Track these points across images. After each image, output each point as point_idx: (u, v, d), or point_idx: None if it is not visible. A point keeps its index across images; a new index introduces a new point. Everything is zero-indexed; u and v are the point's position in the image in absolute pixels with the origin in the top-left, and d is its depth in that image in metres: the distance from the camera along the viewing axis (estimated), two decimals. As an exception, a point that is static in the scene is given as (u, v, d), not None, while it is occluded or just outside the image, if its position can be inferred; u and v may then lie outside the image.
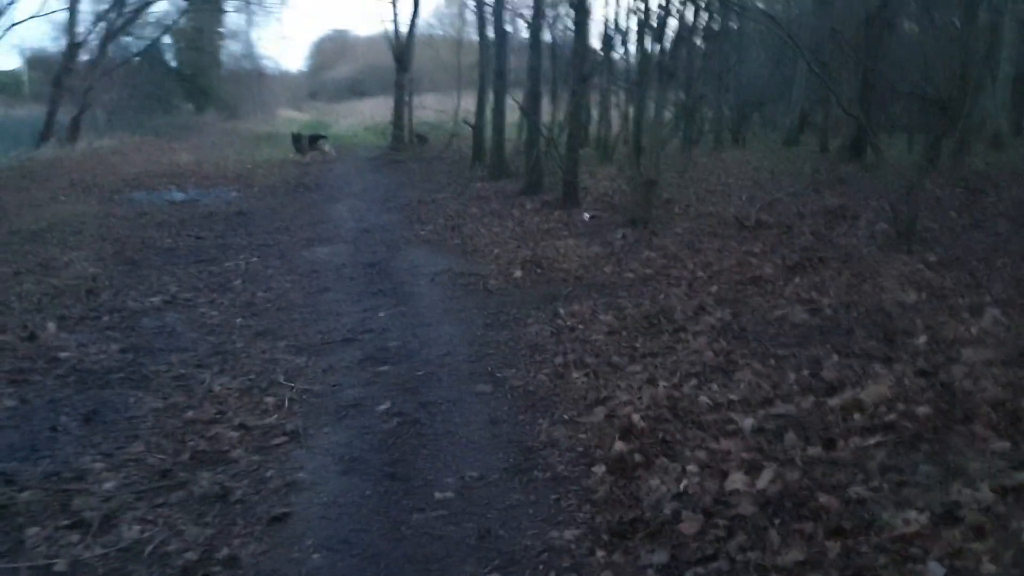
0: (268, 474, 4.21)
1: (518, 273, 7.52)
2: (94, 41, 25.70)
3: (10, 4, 18.39)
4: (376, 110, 35.52)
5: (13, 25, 21.94)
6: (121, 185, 17.85)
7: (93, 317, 7.70)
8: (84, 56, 28.10)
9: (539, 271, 7.53)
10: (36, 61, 35.73)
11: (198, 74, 35.65)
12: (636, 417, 4.19)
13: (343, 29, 66.74)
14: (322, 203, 14.67)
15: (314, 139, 22.16)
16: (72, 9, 22.68)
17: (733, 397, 4.36)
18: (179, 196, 16.48)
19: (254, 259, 9.91)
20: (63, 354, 6.49)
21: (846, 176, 11.84)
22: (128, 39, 30.81)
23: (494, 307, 6.74)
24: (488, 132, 16.48)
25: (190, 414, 5.12)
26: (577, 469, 3.89)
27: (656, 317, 5.86)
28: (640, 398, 4.47)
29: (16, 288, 8.50)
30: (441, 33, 32.91)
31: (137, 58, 32.74)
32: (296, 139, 21.80)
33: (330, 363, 5.89)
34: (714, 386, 4.58)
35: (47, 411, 5.35)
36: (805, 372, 4.62)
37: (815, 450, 3.70)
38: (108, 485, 4.23)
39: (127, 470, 4.41)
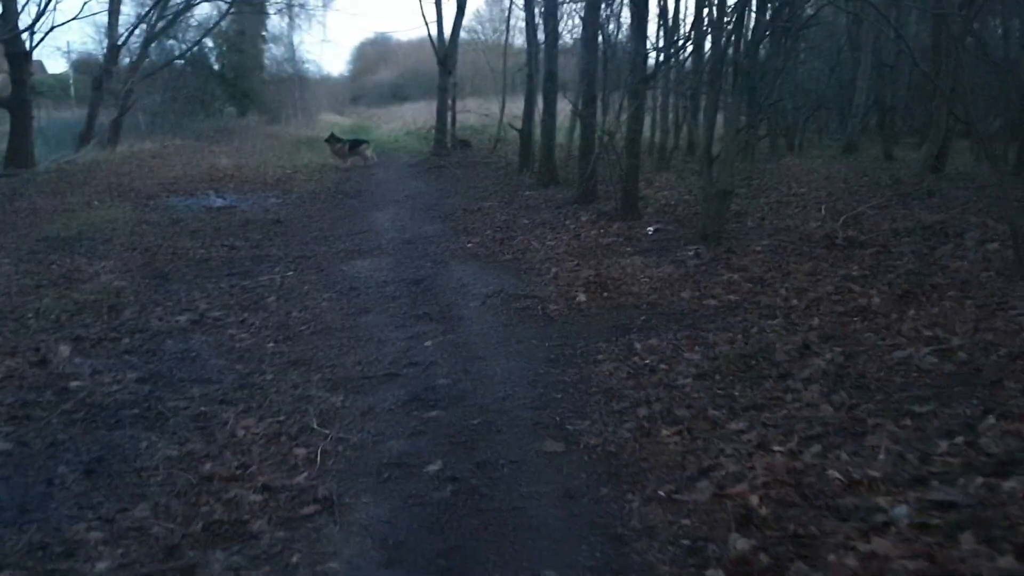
0: (294, 559, 3.38)
1: (581, 297, 6.61)
2: (135, 44, 25.31)
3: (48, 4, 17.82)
4: (418, 115, 34.85)
5: (53, 28, 21.53)
6: (158, 190, 17.29)
7: (113, 338, 6.99)
8: (127, 59, 27.95)
9: (605, 295, 6.62)
10: (82, 65, 35.61)
11: (240, 77, 35.22)
12: (754, 499, 3.29)
13: (385, 33, 66.42)
14: (362, 211, 13.91)
15: (355, 144, 21.46)
16: (112, 11, 22.22)
17: (872, 473, 3.43)
18: (216, 202, 15.85)
19: (290, 273, 9.16)
20: (74, 383, 5.78)
21: (933, 188, 10.75)
22: (171, 42, 30.52)
23: (556, 338, 5.85)
24: (537, 137, 15.62)
25: (208, 467, 4.32)
26: (686, 573, 3.00)
27: (753, 357, 4.93)
28: (753, 468, 3.56)
29: (35, 303, 7.83)
30: (483, 37, 32.13)
31: (179, 61, 32.43)
32: (331, 140, 21.06)
33: (370, 404, 5.05)
34: (843, 454, 3.65)
35: (46, 458, 4.60)
36: (958, 439, 3.67)
37: (1007, 561, 2.77)
38: (101, 566, 3.45)
39: (127, 543, 3.63)
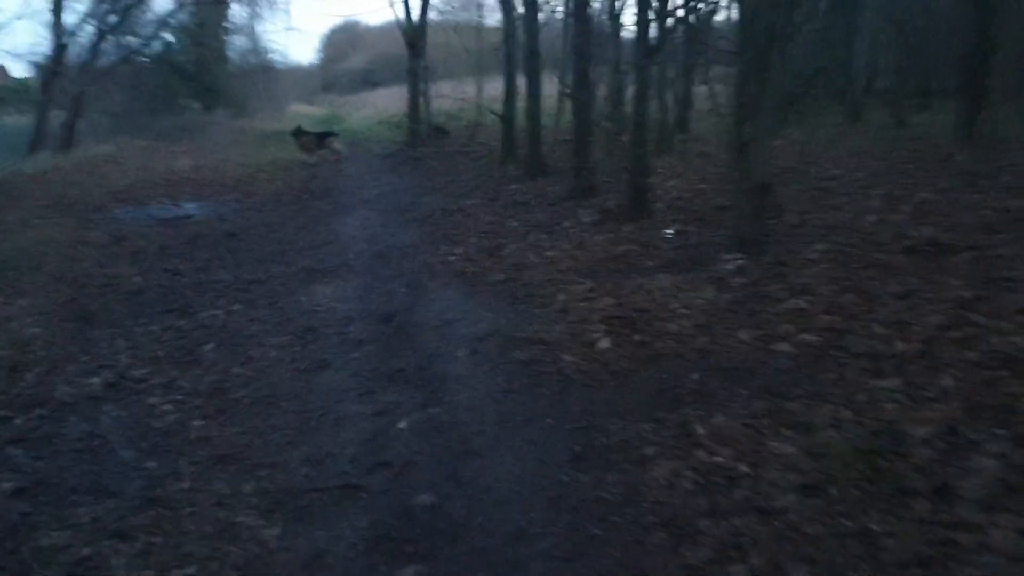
0: None
1: (604, 342, 4.88)
2: (88, 42, 23.26)
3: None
4: (390, 101, 32.81)
5: (-5, 28, 19.41)
6: (107, 200, 15.42)
7: (1, 418, 5.31)
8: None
9: (636, 338, 4.89)
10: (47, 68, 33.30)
11: (204, 72, 33.07)
12: None
13: (354, 19, 63.93)
14: (329, 215, 12.13)
15: (323, 136, 19.55)
16: (55, 9, 20.16)
17: None
18: (168, 212, 14.00)
19: (236, 307, 7.43)
20: (-86, 512, 4.10)
21: (999, 162, 8.95)
22: (129, 39, 28.40)
23: (578, 413, 4.14)
24: (520, 123, 13.82)
25: None
26: None
27: (879, 453, 3.25)
28: None
29: (-85, 368, 6.14)
30: (453, 18, 30.11)
31: (140, 58, 30.33)
32: (297, 134, 19.13)
33: (317, 547, 3.36)
34: None
35: None
36: None
37: None
38: None
39: None
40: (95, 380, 5.86)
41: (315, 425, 4.65)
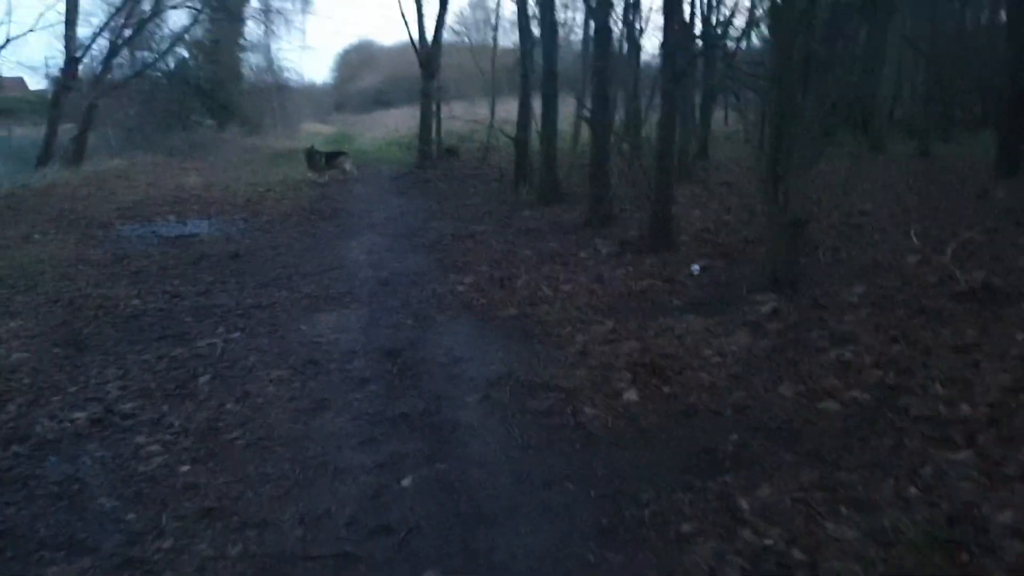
0: None
1: (630, 393, 4.42)
2: (101, 56, 23.07)
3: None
4: (402, 121, 32.60)
5: (8, 42, 19.21)
6: (113, 216, 15.07)
7: (-28, 458, 4.89)
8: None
9: (665, 389, 4.42)
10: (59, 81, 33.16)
11: (218, 88, 32.89)
12: None
13: (368, 39, 63.98)
14: (336, 238, 11.74)
15: (333, 156, 19.19)
16: (69, 21, 19.93)
17: None
18: (174, 230, 13.64)
19: (236, 334, 7.02)
20: None
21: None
22: (144, 54, 28.24)
23: (604, 476, 3.68)
24: (534, 146, 13.41)
25: None
26: None
27: (962, 543, 2.79)
28: None
29: None
30: (467, 40, 29.88)
31: (154, 73, 30.21)
32: (310, 155, 18.76)
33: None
34: None
35: None
36: None
37: None
38: None
39: None
40: (80, 415, 5.45)
41: (312, 477, 4.21)
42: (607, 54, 9.43)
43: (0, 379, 6.13)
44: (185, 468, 4.54)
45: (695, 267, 6.91)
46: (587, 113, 8.98)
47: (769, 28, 6.01)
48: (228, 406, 5.39)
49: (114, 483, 4.45)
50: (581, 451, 3.93)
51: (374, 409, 4.90)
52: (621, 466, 3.74)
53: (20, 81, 42.38)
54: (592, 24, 9.76)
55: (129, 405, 5.57)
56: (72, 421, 5.35)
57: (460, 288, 7.68)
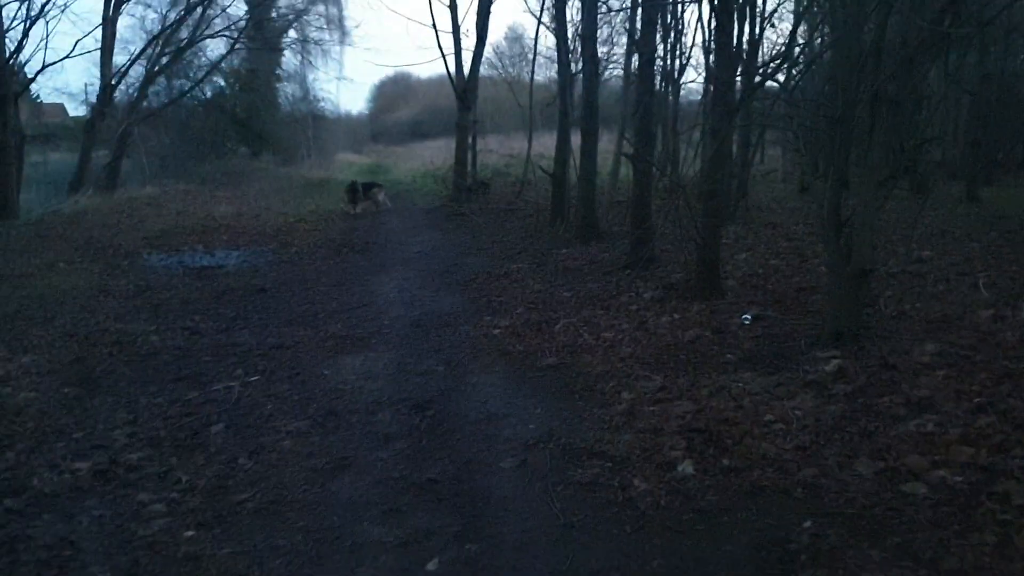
0: None
1: (684, 464, 3.87)
2: (137, 84, 23.18)
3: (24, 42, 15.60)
4: (437, 153, 32.49)
5: (45, 68, 19.29)
6: (141, 244, 14.88)
7: (-43, 516, 4.52)
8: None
9: (724, 460, 3.90)
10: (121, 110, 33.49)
11: (253, 117, 33.02)
12: None
13: (406, 71, 64.38)
14: (366, 273, 11.37)
15: (367, 187, 18.94)
16: (105, 48, 20.01)
17: None
18: (200, 260, 13.39)
19: (255, 378, 6.63)
20: None
21: None
22: (181, 82, 28.42)
23: (660, 569, 3.17)
24: (572, 181, 12.98)
25: None
26: None
27: None
28: None
29: None
30: (503, 73, 29.73)
31: (191, 101, 30.43)
32: (352, 190, 18.52)
33: None
34: None
35: None
36: None
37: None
38: None
39: None
40: (83, 465, 5.06)
41: (326, 552, 3.74)
42: (652, 88, 9.00)
43: (3, 422, 5.78)
44: (189, 534, 4.11)
45: (746, 316, 6.39)
46: (629, 149, 8.54)
47: (832, 62, 5.54)
48: (240, 460, 4.97)
49: (110, 549, 4.04)
50: (632, 535, 3.42)
51: (399, 472, 4.44)
52: (678, 557, 3.22)
53: (61, 107, 43.05)
54: (635, 58, 9.35)
55: (136, 455, 5.17)
56: (73, 472, 4.96)
57: (496, 332, 7.22)
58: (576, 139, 12.14)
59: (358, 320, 8.41)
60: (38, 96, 33.29)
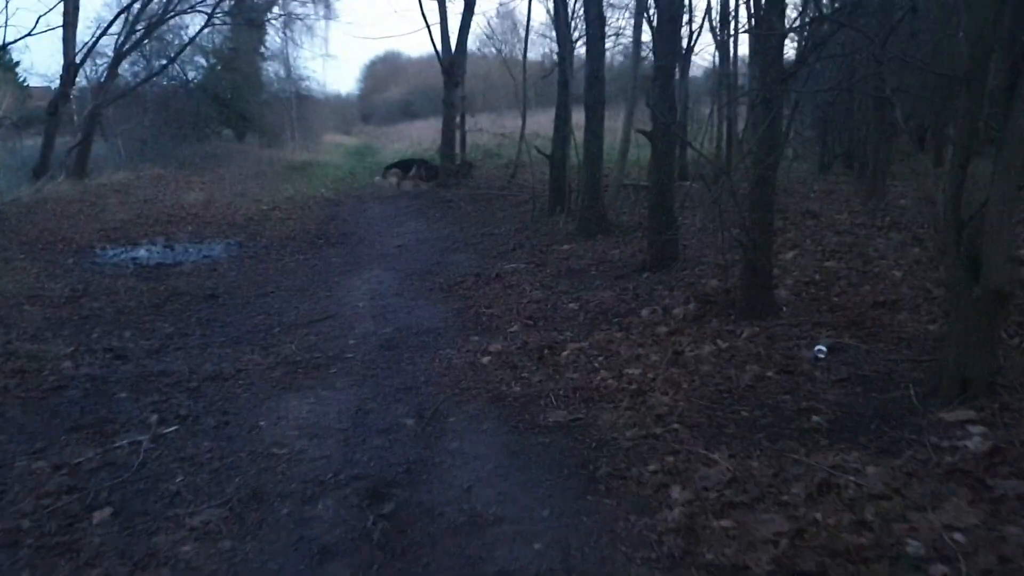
0: None
1: None
2: (104, 63, 21.29)
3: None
4: (426, 133, 30.53)
5: (5, 46, 17.41)
6: (96, 238, 13.17)
7: None
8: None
9: None
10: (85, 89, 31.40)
11: (236, 98, 31.01)
12: None
13: (395, 50, 62.07)
14: (337, 273, 9.67)
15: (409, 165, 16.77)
16: (67, 24, 18.10)
17: None
18: (156, 256, 11.67)
19: (172, 427, 4.97)
20: None
21: None
22: (157, 61, 26.44)
23: None
24: (573, 165, 11.19)
25: None
26: None
27: None
28: None
29: None
30: (494, 51, 27.75)
31: (169, 81, 28.50)
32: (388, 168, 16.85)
33: None
34: None
35: None
36: None
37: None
38: None
39: None
40: None
41: None
42: (674, 49, 7.21)
43: None
44: None
45: (820, 348, 4.70)
46: (655, 113, 6.77)
47: (967, 5, 3.83)
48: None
49: None
50: None
51: (332, 631, 2.77)
52: None
53: (49, 91, 40.95)
54: (656, 14, 7.58)
55: (-28, 569, 3.50)
56: None
57: (485, 360, 5.55)
58: (578, 117, 10.36)
59: (318, 338, 6.73)
60: (25, 79, 31.14)
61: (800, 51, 5.50)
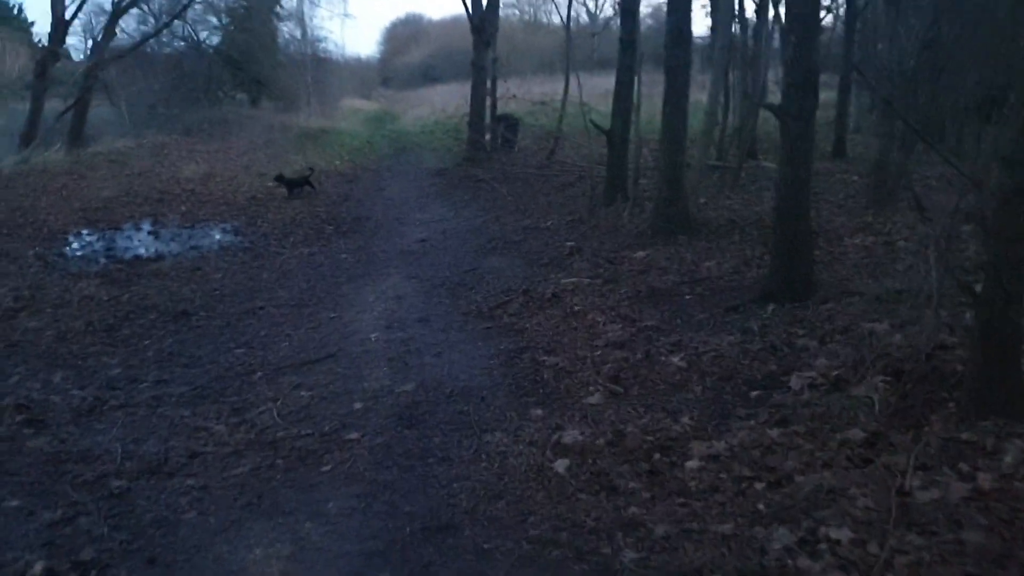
0: None
1: None
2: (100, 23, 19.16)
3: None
4: (449, 98, 28.07)
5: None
6: (73, 219, 11.17)
7: None
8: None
9: None
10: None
11: (250, 60, 28.70)
12: None
13: (418, 13, 59.20)
14: (347, 277, 7.61)
15: (293, 184, 12.76)
16: (54, -25, 15.93)
17: None
18: (132, 248, 9.63)
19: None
20: None
21: None
22: (176, 22, 24.24)
23: None
24: (635, 139, 8.85)
25: None
26: None
27: None
28: None
29: None
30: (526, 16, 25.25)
31: (181, 43, 26.42)
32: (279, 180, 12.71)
33: None
34: None
35: None
36: None
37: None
38: None
39: None
40: None
41: None
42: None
43: None
44: None
45: None
46: (786, 89, 4.59)
47: None
48: None
49: None
50: None
51: None
52: None
53: (65, 53, 38.76)
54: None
55: None
56: None
57: (559, 467, 3.48)
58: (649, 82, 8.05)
59: (312, 396, 4.68)
60: (40, 40, 28.96)
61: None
